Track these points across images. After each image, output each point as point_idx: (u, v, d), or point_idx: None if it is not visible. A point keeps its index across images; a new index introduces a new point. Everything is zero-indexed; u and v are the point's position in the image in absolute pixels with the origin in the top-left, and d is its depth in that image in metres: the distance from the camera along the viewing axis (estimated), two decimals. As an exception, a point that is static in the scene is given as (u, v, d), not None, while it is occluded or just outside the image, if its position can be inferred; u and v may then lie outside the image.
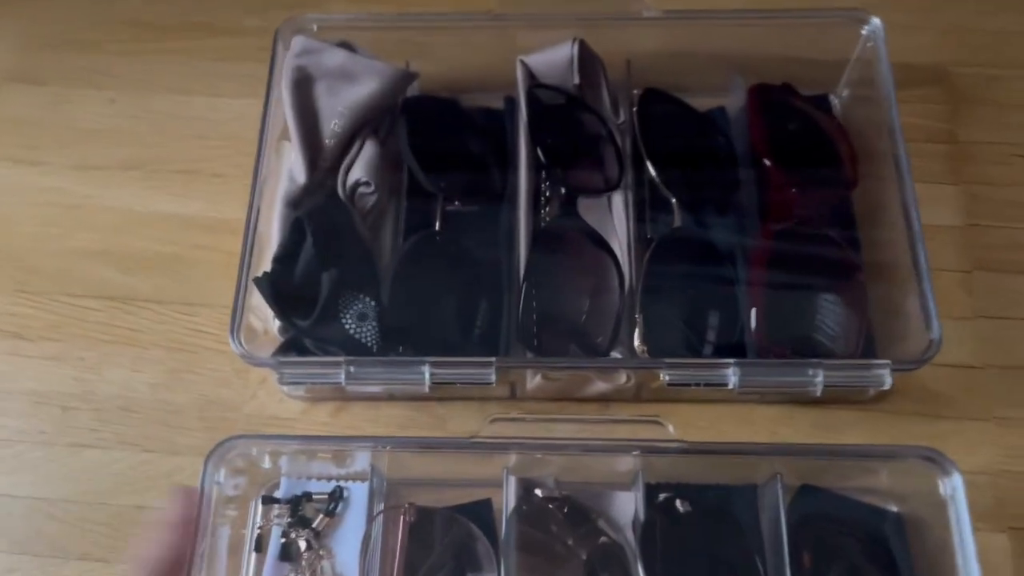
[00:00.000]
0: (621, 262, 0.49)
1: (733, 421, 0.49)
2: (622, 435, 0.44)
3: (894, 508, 0.46)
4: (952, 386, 0.50)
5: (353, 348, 0.46)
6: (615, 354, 0.48)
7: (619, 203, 0.52)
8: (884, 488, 0.46)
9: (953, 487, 0.41)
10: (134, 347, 0.52)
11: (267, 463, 0.46)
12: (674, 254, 0.49)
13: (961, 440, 0.48)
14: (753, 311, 0.47)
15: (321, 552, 0.46)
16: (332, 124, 0.50)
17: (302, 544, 0.45)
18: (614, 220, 0.52)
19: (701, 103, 0.56)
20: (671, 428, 0.42)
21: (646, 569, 0.42)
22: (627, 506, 0.46)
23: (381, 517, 0.46)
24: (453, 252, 0.50)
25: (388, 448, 0.45)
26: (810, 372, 0.44)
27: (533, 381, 0.48)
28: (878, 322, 0.49)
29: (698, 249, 0.50)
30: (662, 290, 0.48)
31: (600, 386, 0.48)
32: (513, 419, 0.44)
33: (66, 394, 0.51)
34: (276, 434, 0.45)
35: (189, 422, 0.50)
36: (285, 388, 0.50)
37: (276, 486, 0.47)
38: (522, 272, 0.48)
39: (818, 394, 0.44)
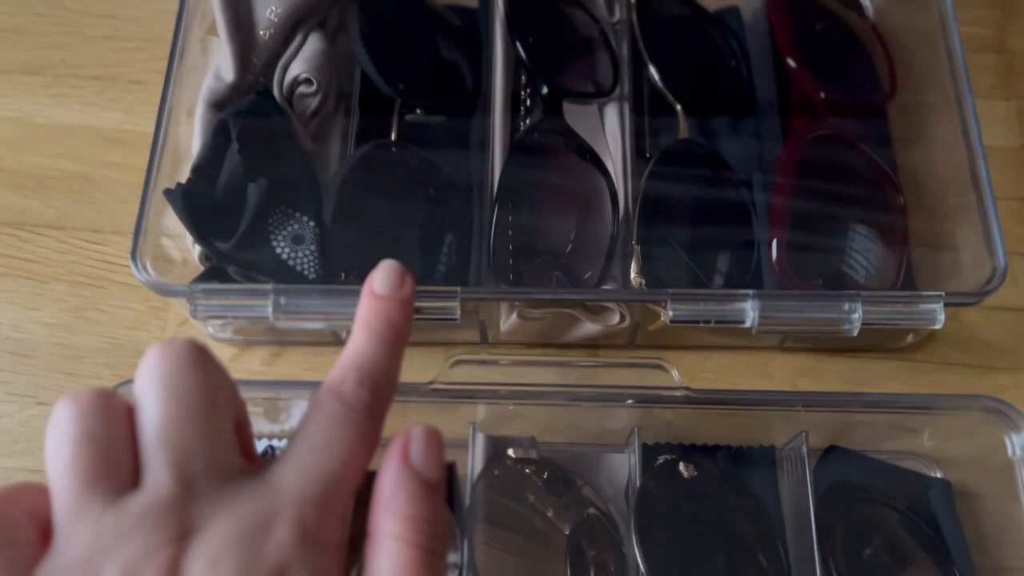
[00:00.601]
0: (615, 180, 0.41)
1: (746, 372, 0.41)
2: (615, 382, 0.36)
3: (938, 474, 0.38)
4: (1006, 333, 0.42)
5: (286, 277, 0.38)
6: (607, 287, 0.39)
7: (612, 115, 0.43)
8: (927, 451, 0.38)
9: (1023, 446, 0.33)
10: (29, 280, 0.43)
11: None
12: (679, 171, 0.41)
13: (1018, 394, 0.40)
14: (775, 240, 0.39)
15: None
16: (268, 12, 0.42)
17: (224, 515, 0.37)
18: (606, 135, 0.43)
19: (711, 3, 0.47)
20: (675, 374, 0.34)
21: (642, 545, 0.34)
22: (618, 471, 0.38)
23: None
24: (413, 167, 0.41)
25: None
26: (846, 307, 0.35)
27: (508, 322, 0.40)
28: (917, 255, 0.41)
29: (707, 165, 0.42)
30: (664, 214, 0.40)
31: (588, 328, 0.40)
32: (482, 362, 0.36)
33: (-54, 336, 0.42)
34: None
35: (94, 369, 0.42)
36: (210, 330, 0.41)
37: (194, 446, 0.39)
38: (494, 188, 0.40)
39: (855, 333, 0.36)
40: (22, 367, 0.42)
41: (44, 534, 0.21)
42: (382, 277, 0.25)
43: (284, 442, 0.39)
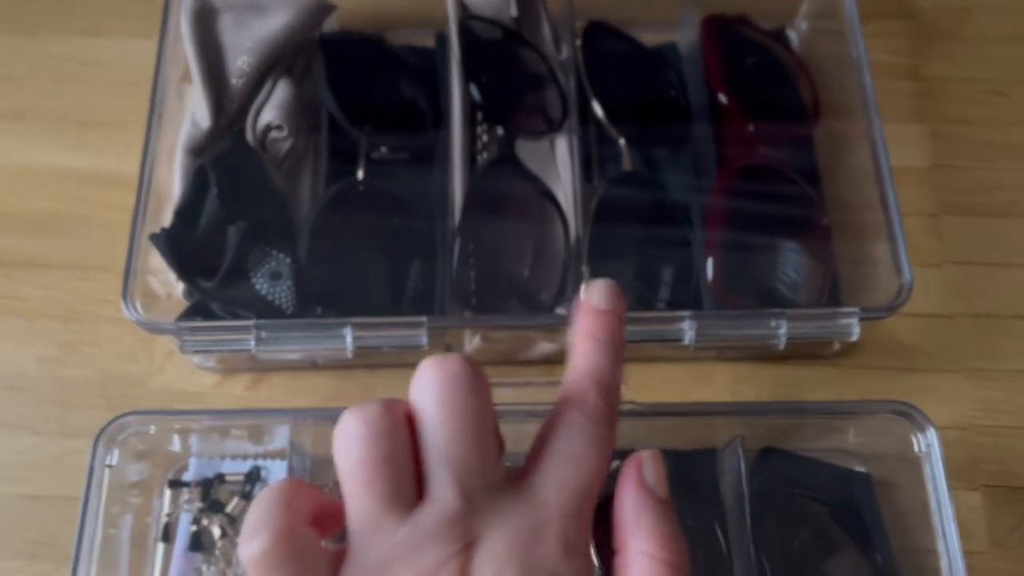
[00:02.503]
0: (566, 210, 0.45)
1: (690, 381, 0.45)
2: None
3: (862, 468, 0.43)
4: (922, 337, 0.46)
5: (266, 311, 0.41)
6: (561, 311, 0.43)
7: (563, 148, 0.47)
8: (852, 448, 0.43)
9: (927, 444, 0.38)
10: (19, 318, 0.46)
11: (176, 445, 0.41)
12: (624, 200, 0.45)
13: (932, 394, 0.45)
14: (709, 260, 0.43)
15: (237, 540, 0.41)
16: (239, 61, 0.45)
17: (215, 531, 0.41)
18: (558, 166, 0.47)
19: (650, 39, 0.51)
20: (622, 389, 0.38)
21: (597, 542, 0.38)
22: (577, 476, 0.42)
23: (303, 498, 0.41)
24: (380, 203, 0.45)
25: (309, 422, 0.40)
26: (772, 323, 0.40)
27: (472, 344, 0.44)
28: (843, 270, 0.46)
29: (650, 194, 0.46)
30: (611, 240, 0.44)
31: (545, 347, 0.44)
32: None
33: (-57, 373, 0.45)
34: (176, 409, 0.40)
35: (87, 400, 0.44)
36: (196, 359, 0.45)
37: (185, 468, 0.42)
38: (455, 223, 0.43)
39: (781, 347, 0.40)
40: (18, 400, 0.44)
41: (318, 529, 0.23)
42: (602, 293, 0.26)
43: (272, 462, 0.42)
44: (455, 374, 0.23)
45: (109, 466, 0.37)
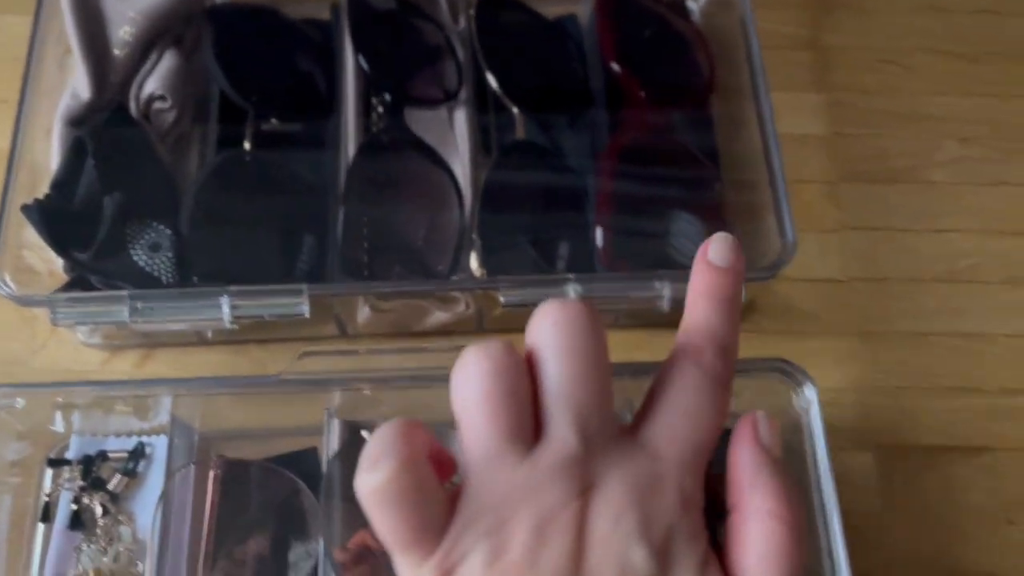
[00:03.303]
0: (460, 180, 0.44)
1: (586, 349, 0.45)
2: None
3: (754, 431, 0.43)
4: (816, 302, 0.47)
5: (145, 282, 0.40)
6: (453, 278, 0.43)
7: (461, 118, 0.47)
8: (743, 410, 0.42)
9: (808, 400, 0.38)
10: (-102, 298, 0.44)
11: (59, 423, 0.40)
12: (516, 168, 0.44)
13: (826, 357, 0.45)
14: (599, 229, 0.43)
15: (120, 517, 0.40)
16: (122, 32, 0.44)
17: (97, 509, 0.40)
18: (456, 137, 0.47)
19: (555, 11, 0.51)
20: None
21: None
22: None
23: (187, 474, 0.40)
24: (269, 175, 0.44)
25: (185, 392, 0.39)
26: (656, 285, 0.40)
27: (363, 314, 0.43)
28: (739, 238, 0.46)
29: (544, 163, 0.45)
30: (503, 208, 0.44)
31: (439, 316, 0.43)
32: (329, 353, 0.39)
33: None
34: (42, 382, 0.39)
35: (-32, 380, 0.43)
36: (80, 336, 0.43)
37: (67, 447, 0.41)
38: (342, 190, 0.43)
39: (666, 309, 0.40)
40: None
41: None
42: (722, 250, 0.25)
43: (157, 438, 0.41)
44: (577, 315, 0.23)
45: (-29, 444, 0.36)
